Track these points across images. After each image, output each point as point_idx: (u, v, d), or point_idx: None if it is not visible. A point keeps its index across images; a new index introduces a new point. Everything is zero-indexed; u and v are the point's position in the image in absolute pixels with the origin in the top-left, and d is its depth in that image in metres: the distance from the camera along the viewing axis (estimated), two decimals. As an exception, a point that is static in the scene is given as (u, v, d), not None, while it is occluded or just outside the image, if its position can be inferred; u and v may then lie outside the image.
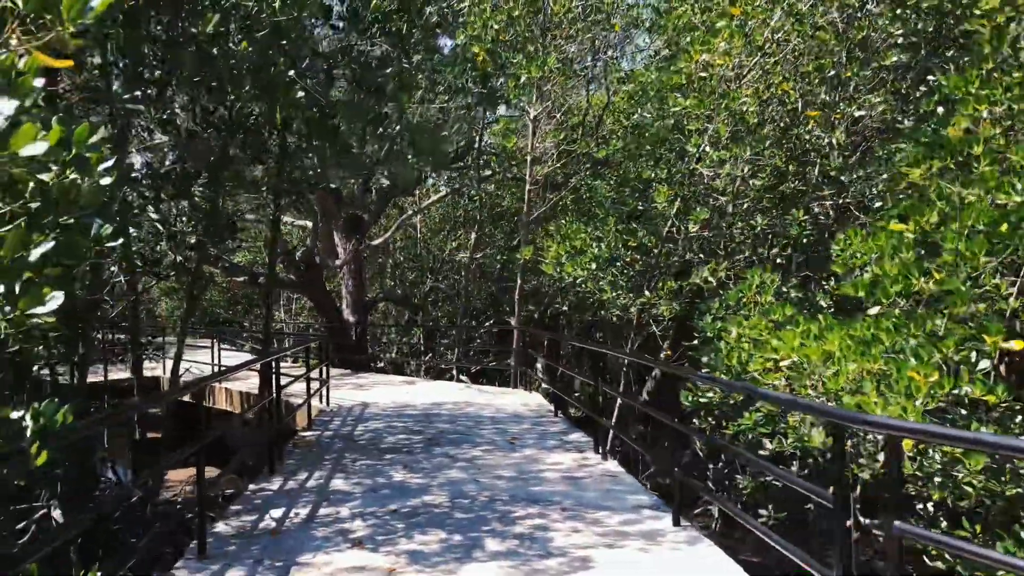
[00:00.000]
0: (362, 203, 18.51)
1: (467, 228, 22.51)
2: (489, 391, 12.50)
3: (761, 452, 6.38)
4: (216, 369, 14.63)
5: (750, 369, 6.50)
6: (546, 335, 14.76)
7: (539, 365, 13.92)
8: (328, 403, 11.10)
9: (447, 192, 16.18)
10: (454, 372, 20.79)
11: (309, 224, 19.34)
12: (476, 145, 14.26)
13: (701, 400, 8.72)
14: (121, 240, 4.51)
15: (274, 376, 7.27)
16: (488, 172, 14.81)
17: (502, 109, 14.37)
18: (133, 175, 5.19)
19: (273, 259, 9.19)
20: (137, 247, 7.53)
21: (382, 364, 21.30)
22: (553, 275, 11.46)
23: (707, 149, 9.24)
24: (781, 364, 6.31)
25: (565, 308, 18.90)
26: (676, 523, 5.11)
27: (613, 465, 7.01)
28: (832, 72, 9.72)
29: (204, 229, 6.77)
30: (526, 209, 12.87)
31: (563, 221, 11.98)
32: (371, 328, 20.06)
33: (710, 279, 8.64)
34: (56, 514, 5.32)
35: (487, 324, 22.53)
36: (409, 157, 5.43)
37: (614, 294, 10.90)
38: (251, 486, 6.38)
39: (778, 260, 10.29)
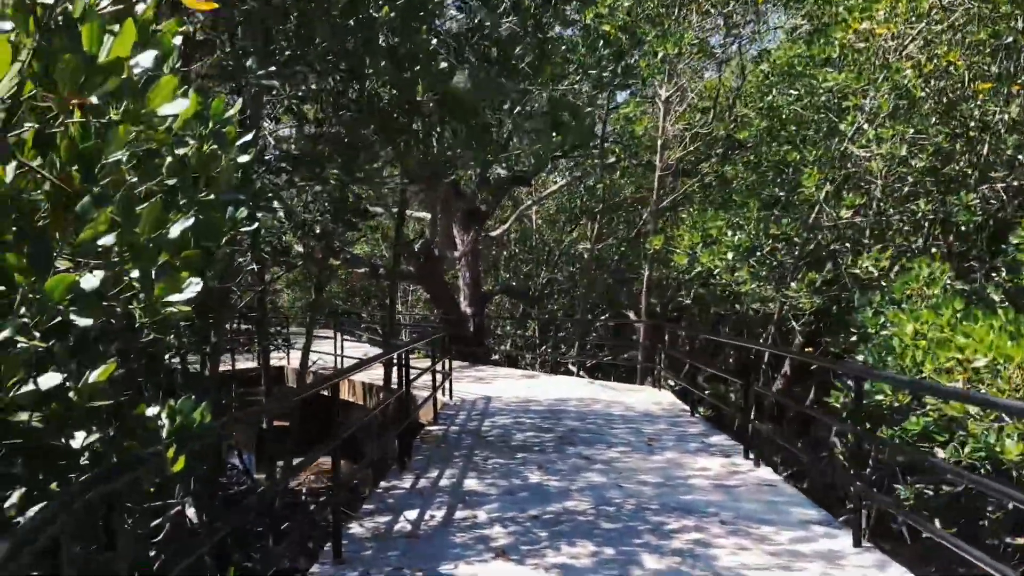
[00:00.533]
0: (479, 195, 18.29)
1: (585, 218, 22.04)
2: (615, 387, 11.98)
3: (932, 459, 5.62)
4: (339, 359, 14.72)
5: (926, 369, 5.75)
6: (678, 329, 14.06)
7: (661, 360, 13.31)
8: (451, 396, 10.86)
9: (567, 181, 15.67)
10: (571, 366, 20.37)
11: (427, 216, 19.32)
12: (601, 130, 13.72)
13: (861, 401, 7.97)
14: (256, 225, 4.29)
15: (403, 369, 7.00)
16: (612, 159, 14.26)
17: (625, 94, 13.81)
18: (265, 157, 4.98)
19: (398, 249, 8.99)
20: (265, 235, 7.42)
21: (496, 357, 21.09)
22: (684, 266, 10.84)
23: (864, 126, 8.40)
24: (971, 364, 5.56)
25: (689, 302, 18.15)
26: (857, 543, 4.48)
27: (767, 473, 6.39)
28: (1008, 39, 8.70)
29: (333, 216, 6.58)
30: (655, 196, 12.26)
31: (697, 208, 11.31)
32: (487, 320, 19.83)
33: (871, 268, 7.83)
34: (191, 512, 5.21)
35: (603, 318, 21.95)
36: (551, 136, 5.01)
37: (754, 286, 10.18)
38: (382, 484, 6.12)
39: (933, 249, 9.34)
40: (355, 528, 4.95)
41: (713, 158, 12.52)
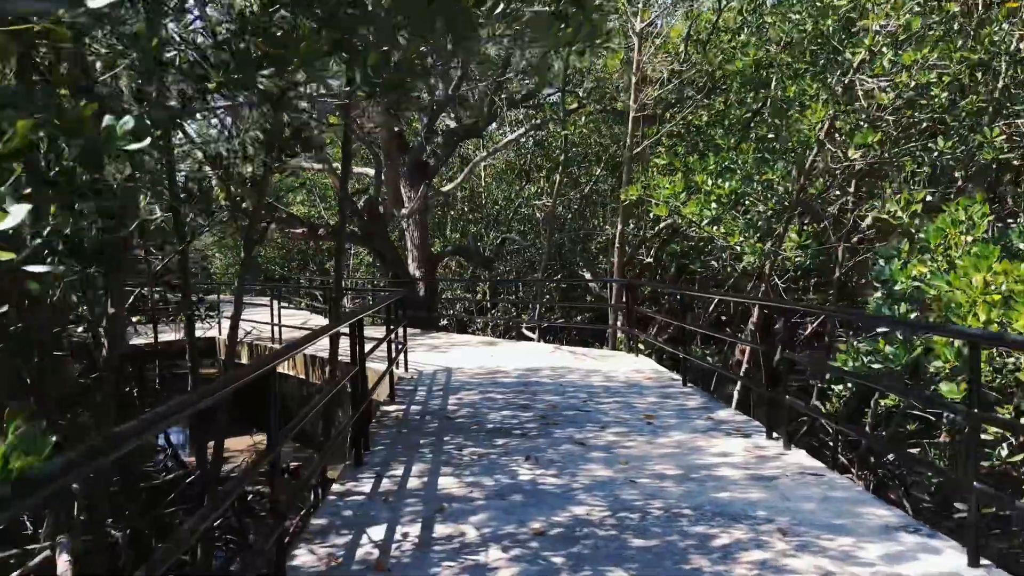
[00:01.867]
0: (426, 147, 16.88)
1: (541, 173, 20.78)
2: (586, 354, 10.87)
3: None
4: (276, 328, 13.29)
5: (1018, 325, 4.73)
6: (658, 287, 12.97)
7: (633, 323, 12.22)
8: (407, 369, 9.61)
9: (527, 129, 14.36)
10: (527, 331, 19.24)
11: (370, 172, 17.82)
12: (562, 71, 12.43)
13: (873, 364, 7.04)
14: (148, 141, 2.96)
15: (357, 341, 5.71)
16: (574, 105, 13.00)
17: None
18: (168, 53, 3.62)
19: (344, 196, 7.60)
20: (185, 174, 6.03)
21: (445, 322, 19.84)
22: (663, 217, 9.72)
23: (884, 50, 7.30)
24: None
25: (650, 260, 17.14)
26: (974, 563, 3.42)
27: (804, 457, 5.33)
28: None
29: (265, 145, 5.23)
30: (628, 142, 11.07)
31: (675, 155, 10.16)
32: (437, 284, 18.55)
33: (900, 213, 6.79)
34: (63, 560, 3.84)
35: (556, 278, 20.85)
36: (555, 29, 3.82)
37: (741, 239, 9.12)
38: (335, 487, 4.87)
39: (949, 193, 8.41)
40: (304, 556, 3.71)
41: (693, 100, 11.38)
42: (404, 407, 7.33)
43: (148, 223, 5.55)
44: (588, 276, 19.89)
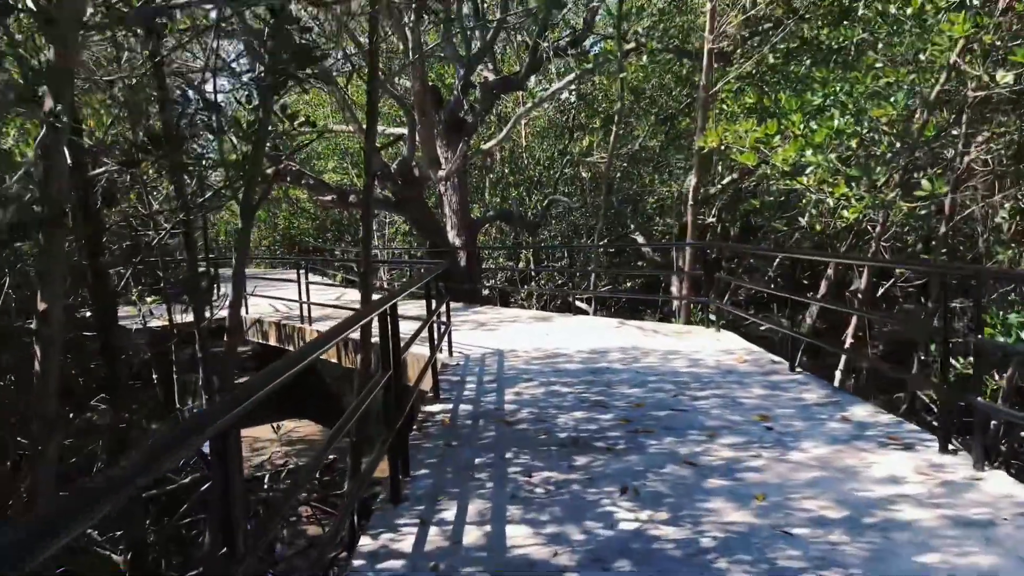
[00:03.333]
0: (463, 102, 15.37)
1: (583, 131, 19.16)
2: (657, 330, 9.40)
3: None
4: (304, 307, 12.01)
5: None
6: (751, 249, 11.41)
7: (716, 293, 10.69)
8: (451, 354, 8.27)
9: (577, 76, 12.73)
10: (580, 303, 17.81)
11: (403, 132, 16.39)
12: (618, 6, 10.81)
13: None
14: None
15: (391, 331, 4.32)
16: (631, 44, 11.40)
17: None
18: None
19: (372, 141, 6.19)
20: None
21: (487, 293, 18.43)
22: (751, 164, 8.17)
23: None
24: None
25: (712, 220, 15.52)
26: None
27: (1008, 483, 3.85)
28: None
29: (270, 60, 3.87)
30: (703, 80, 9.46)
31: (767, 91, 8.56)
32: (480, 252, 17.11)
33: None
34: None
35: (614, 242, 19.30)
36: None
37: (849, 189, 7.55)
38: (364, 543, 3.51)
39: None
40: None
41: (778, 29, 9.72)
42: (451, 406, 5.97)
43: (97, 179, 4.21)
44: (641, 239, 18.34)
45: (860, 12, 8.65)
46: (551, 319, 11.00)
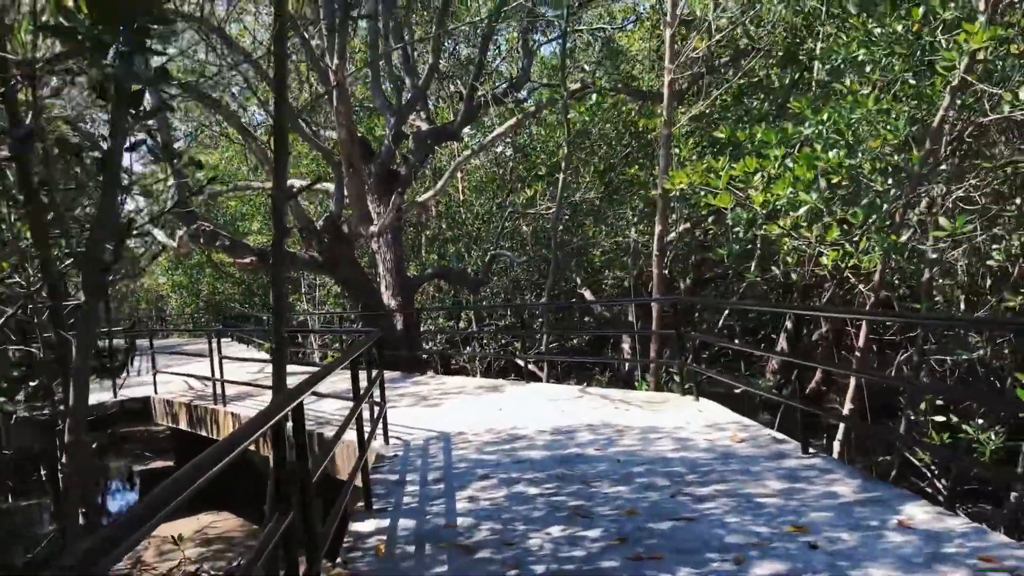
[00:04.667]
0: (394, 154, 14.23)
1: (521, 184, 18.18)
2: (628, 401, 8.18)
3: None
4: (218, 384, 10.43)
5: None
6: (733, 304, 10.34)
7: (688, 354, 9.57)
8: (387, 440, 6.90)
9: (518, 119, 11.68)
10: (527, 366, 16.56)
11: (330, 187, 15.12)
12: (561, 45, 9.84)
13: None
14: None
15: (291, 452, 2.99)
16: (576, 84, 10.42)
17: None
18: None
19: (281, 184, 4.90)
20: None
21: (426, 357, 17.05)
22: (729, 210, 7.15)
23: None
24: None
25: (663, 271, 14.54)
26: None
27: None
28: None
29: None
30: (665, 115, 8.47)
31: (741, 123, 7.60)
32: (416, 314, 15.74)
33: None
34: None
35: (569, 301, 18.20)
36: None
37: (853, 234, 6.59)
38: None
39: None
40: None
41: (739, 62, 8.88)
42: (387, 522, 4.59)
43: None
44: (589, 295, 17.28)
45: (829, 38, 7.82)
46: (501, 388, 9.70)
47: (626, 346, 16.73)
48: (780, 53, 10.77)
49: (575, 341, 18.74)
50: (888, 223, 6.38)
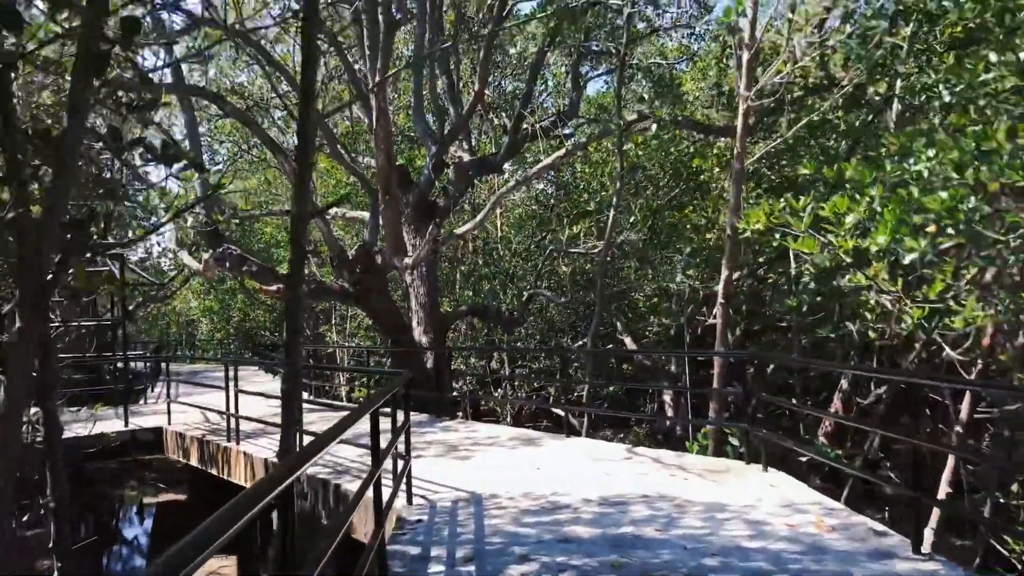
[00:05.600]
0: (433, 184, 13.57)
1: (561, 222, 17.40)
2: (684, 467, 7.22)
3: None
4: (232, 419, 9.65)
5: None
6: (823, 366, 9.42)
7: (754, 415, 8.62)
8: (411, 499, 6.04)
9: (566, 149, 10.89)
10: (563, 414, 15.63)
11: (365, 215, 14.48)
12: (618, 71, 9.10)
13: None
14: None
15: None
16: (633, 116, 9.66)
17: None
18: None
19: (303, 199, 4.16)
20: None
21: (455, 394, 16.13)
22: (818, 256, 6.28)
23: None
24: None
25: (712, 320, 13.59)
26: None
27: None
28: None
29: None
30: (738, 148, 7.65)
31: (822, 163, 6.77)
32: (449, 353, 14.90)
33: None
34: None
35: (609, 348, 17.28)
36: None
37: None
38: None
39: None
40: None
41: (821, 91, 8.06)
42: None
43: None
44: (629, 342, 16.35)
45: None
46: (538, 442, 8.79)
47: (667, 398, 15.76)
48: (851, 91, 9.94)
49: (611, 389, 17.79)
50: (1018, 279, 5.46)
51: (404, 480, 5.95)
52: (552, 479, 6.70)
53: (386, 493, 5.09)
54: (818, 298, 8.93)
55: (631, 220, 15.14)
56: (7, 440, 2.90)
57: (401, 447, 6.04)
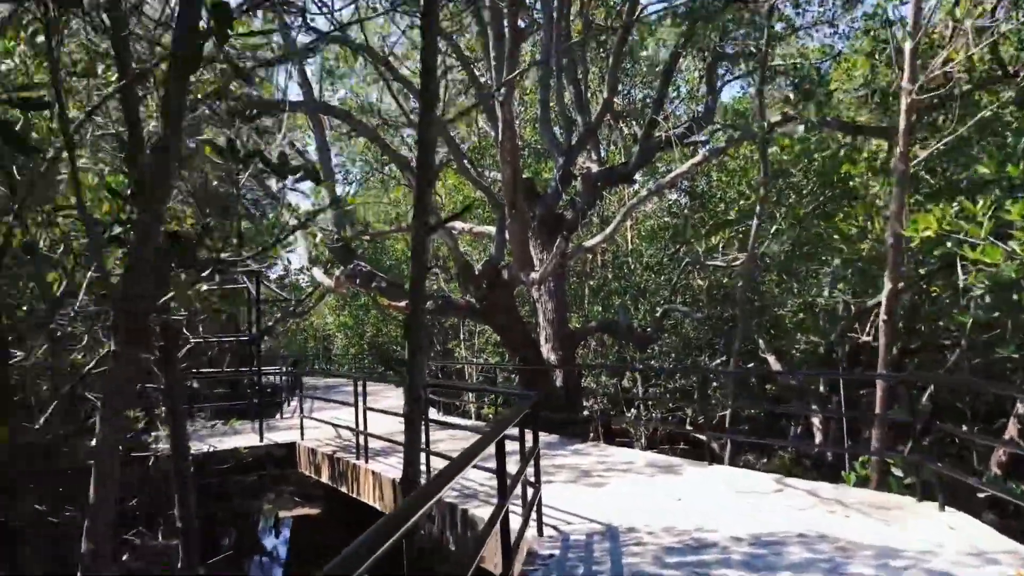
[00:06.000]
0: (561, 195, 13.20)
1: (703, 228, 16.59)
2: (843, 501, 6.46)
3: None
4: (360, 437, 9.57)
5: None
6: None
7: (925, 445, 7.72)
8: (541, 528, 5.64)
9: (704, 155, 10.24)
10: (707, 444, 14.85)
11: (490, 230, 14.29)
12: (762, 61, 8.42)
13: None
14: None
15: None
16: (777, 117, 8.92)
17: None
18: None
19: (425, 201, 3.87)
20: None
21: (585, 417, 15.59)
22: (1003, 268, 5.45)
23: None
24: None
25: (867, 338, 12.49)
26: None
27: None
28: None
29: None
30: (901, 147, 6.85)
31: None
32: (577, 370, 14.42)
33: None
34: None
35: (719, 361, 16.37)
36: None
37: None
38: None
39: None
40: None
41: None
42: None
43: None
44: (773, 361, 15.36)
45: None
46: (677, 469, 8.17)
47: (816, 420, 14.66)
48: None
49: (757, 412, 16.79)
50: None
51: (534, 509, 5.55)
52: (695, 512, 6.12)
53: (515, 521, 4.71)
54: (995, 313, 7.91)
55: (772, 230, 14.24)
56: (106, 469, 2.70)
57: (530, 474, 5.65)
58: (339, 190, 18.72)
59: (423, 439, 7.73)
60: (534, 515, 5.61)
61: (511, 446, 4.34)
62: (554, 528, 5.76)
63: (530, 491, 5.53)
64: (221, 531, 15.22)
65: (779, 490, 6.94)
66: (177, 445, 4.55)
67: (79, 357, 5.30)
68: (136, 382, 2.56)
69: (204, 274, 3.97)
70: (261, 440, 11.87)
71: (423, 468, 7.89)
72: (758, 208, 10.05)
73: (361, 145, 21.61)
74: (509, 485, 3.91)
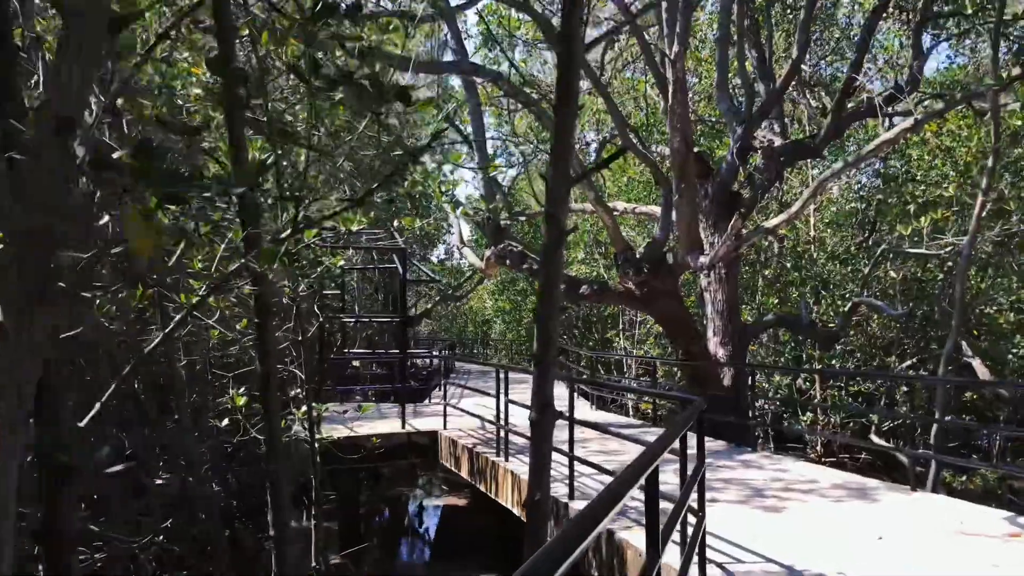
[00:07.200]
0: (738, 171, 11.78)
1: (899, 210, 14.54)
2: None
3: None
4: (501, 430, 8.72)
5: None
6: None
7: None
8: (704, 567, 4.51)
9: (914, 120, 8.50)
10: (911, 470, 12.99)
11: (655, 210, 13.06)
12: (1000, 5, 6.76)
13: None
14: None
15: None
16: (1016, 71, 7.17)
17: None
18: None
19: (565, 148, 2.89)
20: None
21: (756, 420, 14.00)
22: None
23: None
24: None
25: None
26: None
27: None
28: None
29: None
30: None
31: None
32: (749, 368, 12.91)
33: None
34: None
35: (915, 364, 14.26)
36: None
37: None
38: None
39: None
40: None
41: None
42: None
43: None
44: (978, 366, 13.17)
45: None
46: (873, 495, 6.71)
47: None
48: None
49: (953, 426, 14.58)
50: None
51: (697, 544, 4.42)
52: (905, 560, 4.75)
53: (672, 557, 3.65)
54: None
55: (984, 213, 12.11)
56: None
57: (693, 498, 4.53)
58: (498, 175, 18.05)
59: (566, 441, 6.75)
60: (696, 552, 4.48)
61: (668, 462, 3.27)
62: (720, 568, 4.61)
63: (691, 519, 4.43)
64: (373, 512, 15.06)
65: (1016, 533, 5.39)
66: (273, 445, 3.80)
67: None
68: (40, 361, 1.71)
69: (283, 235, 3.17)
70: (403, 427, 11.33)
71: (566, 472, 6.92)
72: (983, 182, 8.25)
73: (524, 126, 20.87)
74: (663, 531, 2.83)
